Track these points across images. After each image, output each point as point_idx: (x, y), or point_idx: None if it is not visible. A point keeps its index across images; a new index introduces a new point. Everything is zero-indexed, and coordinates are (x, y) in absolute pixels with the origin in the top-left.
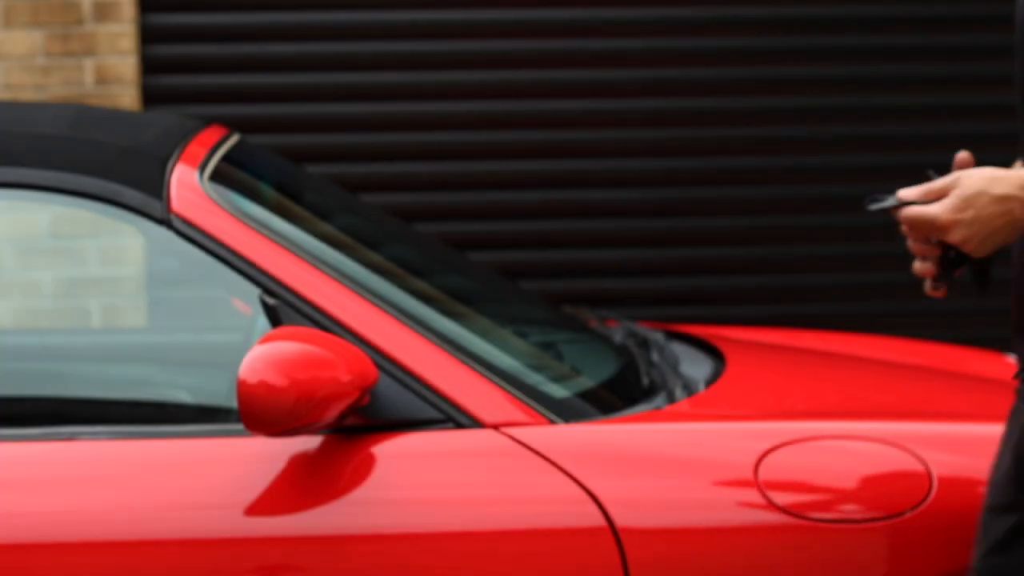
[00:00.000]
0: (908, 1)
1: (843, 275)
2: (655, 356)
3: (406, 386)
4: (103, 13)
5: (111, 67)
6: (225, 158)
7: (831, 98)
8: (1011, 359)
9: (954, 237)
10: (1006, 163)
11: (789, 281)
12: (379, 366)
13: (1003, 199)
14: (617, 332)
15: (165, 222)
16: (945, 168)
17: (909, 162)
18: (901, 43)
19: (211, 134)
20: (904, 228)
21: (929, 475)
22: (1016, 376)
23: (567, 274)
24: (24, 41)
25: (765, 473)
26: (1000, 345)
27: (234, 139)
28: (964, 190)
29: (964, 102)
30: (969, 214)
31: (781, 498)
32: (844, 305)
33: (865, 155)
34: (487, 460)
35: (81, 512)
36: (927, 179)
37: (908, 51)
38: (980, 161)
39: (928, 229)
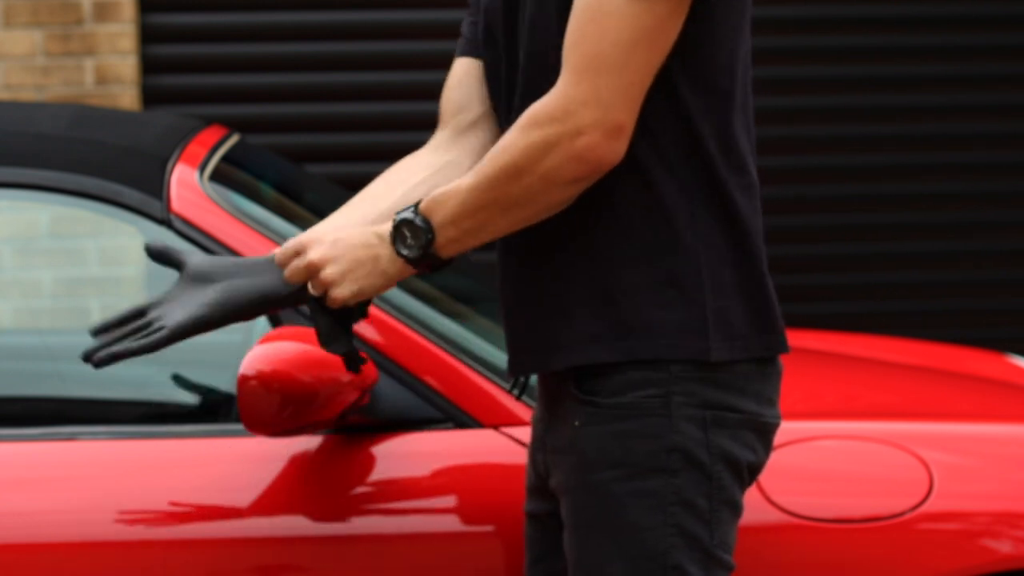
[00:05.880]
0: (912, 1)
1: (845, 275)
2: None
3: (406, 386)
4: (103, 13)
5: (111, 67)
6: (225, 158)
7: (831, 98)
8: (1014, 359)
9: (314, 254)
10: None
11: (790, 281)
12: (379, 366)
13: (361, 232)
14: None
15: (165, 222)
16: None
17: (911, 162)
18: (903, 43)
19: (211, 134)
20: (277, 261)
21: (929, 475)
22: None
23: None
24: (24, 41)
25: (765, 473)
26: (1000, 345)
27: (234, 139)
28: (333, 234)
29: (966, 102)
30: (340, 248)
31: (781, 498)
32: (844, 305)
33: (866, 155)
34: (487, 460)
35: (81, 512)
36: None
37: (910, 51)
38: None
39: (293, 248)
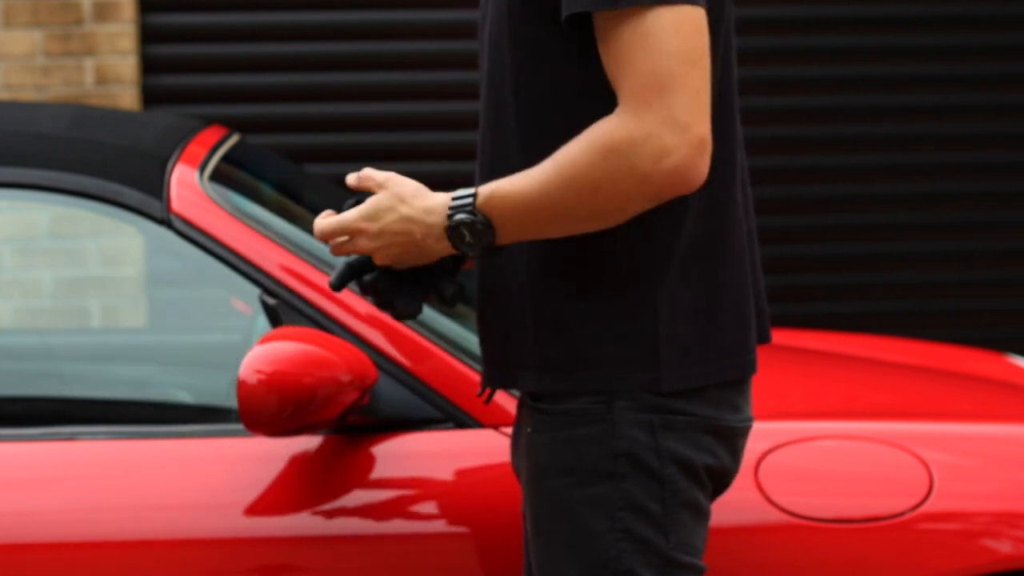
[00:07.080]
0: (906, 1)
1: (839, 275)
2: None
3: (406, 386)
4: (103, 13)
5: (111, 67)
6: (225, 158)
7: (825, 98)
8: (1014, 359)
9: (360, 245)
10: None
11: (789, 281)
12: (379, 366)
13: (406, 220)
14: None
15: (165, 222)
16: None
17: (905, 162)
18: (896, 43)
19: (211, 134)
20: (318, 236)
21: (929, 475)
22: (484, 398)
23: None
24: (24, 41)
25: (765, 473)
26: (1000, 345)
27: (234, 139)
28: (379, 201)
29: (960, 102)
30: (376, 227)
31: (781, 498)
32: (844, 305)
33: (866, 155)
34: (487, 460)
35: (81, 512)
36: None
37: (904, 51)
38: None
39: (339, 233)
